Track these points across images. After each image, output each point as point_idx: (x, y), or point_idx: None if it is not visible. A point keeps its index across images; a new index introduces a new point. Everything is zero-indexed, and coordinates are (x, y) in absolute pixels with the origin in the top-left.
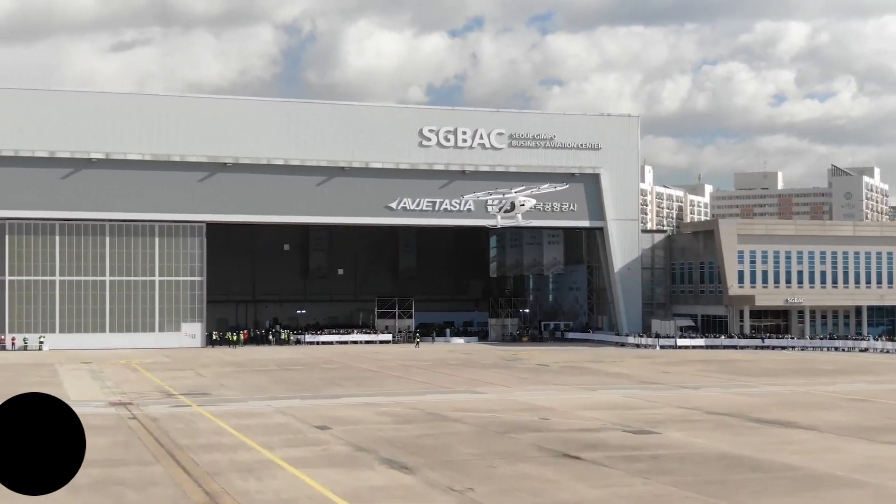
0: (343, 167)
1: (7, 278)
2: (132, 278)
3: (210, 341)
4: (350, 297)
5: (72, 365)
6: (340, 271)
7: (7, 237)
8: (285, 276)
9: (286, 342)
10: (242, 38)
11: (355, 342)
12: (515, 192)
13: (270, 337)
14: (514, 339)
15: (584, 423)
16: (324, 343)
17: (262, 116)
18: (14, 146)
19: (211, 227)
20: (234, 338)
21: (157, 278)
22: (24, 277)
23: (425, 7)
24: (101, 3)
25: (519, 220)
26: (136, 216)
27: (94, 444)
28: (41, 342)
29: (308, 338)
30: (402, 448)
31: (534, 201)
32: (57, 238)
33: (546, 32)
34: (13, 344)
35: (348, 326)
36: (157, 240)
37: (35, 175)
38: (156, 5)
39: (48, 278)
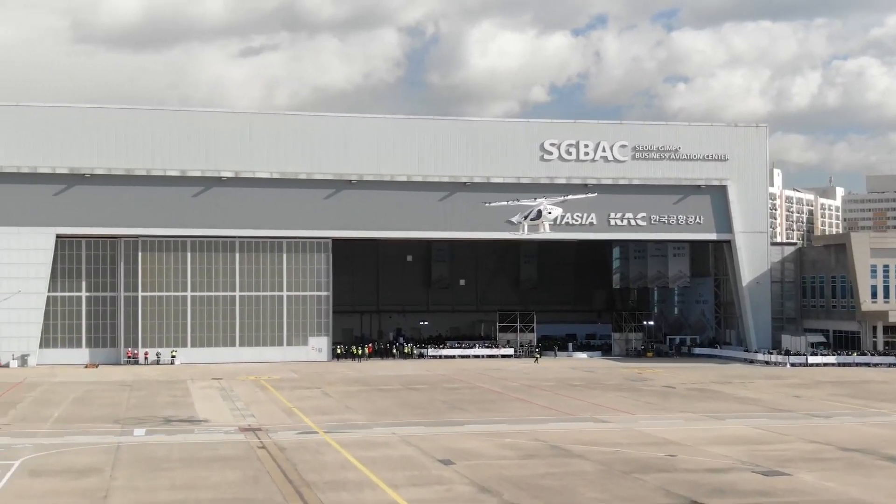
0: (465, 182)
1: (141, 294)
2: (261, 293)
3: (336, 355)
4: (472, 308)
5: (203, 382)
6: (462, 282)
7: (140, 254)
8: (408, 287)
9: (409, 356)
10: (367, 42)
11: (477, 356)
12: (541, 200)
13: (394, 350)
14: (639, 355)
15: (712, 462)
16: (446, 357)
17: (385, 133)
18: (147, 165)
19: (336, 241)
20: (359, 351)
21: (284, 293)
22: (158, 293)
23: (548, 7)
24: (231, 9)
25: (546, 230)
26: (265, 233)
27: (226, 480)
28: (173, 356)
29: (431, 351)
30: (525, 490)
31: (560, 210)
32: (189, 255)
33: (671, 29)
34: (146, 358)
35: (470, 338)
36: (284, 256)
37: (167, 194)
38: (284, 11)
39: (180, 294)
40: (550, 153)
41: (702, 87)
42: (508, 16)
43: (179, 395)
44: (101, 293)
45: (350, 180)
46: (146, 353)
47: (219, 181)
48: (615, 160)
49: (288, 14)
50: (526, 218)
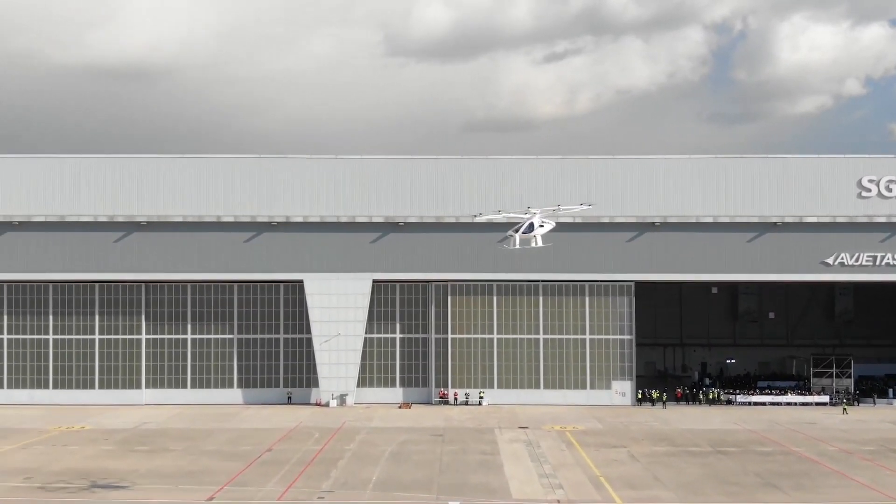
0: (775, 222)
1: (450, 336)
2: (564, 336)
3: (639, 399)
4: (782, 342)
5: (510, 433)
6: (771, 315)
7: (450, 298)
8: (713, 319)
9: (716, 401)
10: (671, 41)
11: (789, 404)
12: (533, 212)
13: (700, 395)
14: None
15: None
16: (756, 404)
17: (689, 174)
18: (456, 213)
19: (639, 284)
20: (663, 397)
21: (587, 336)
22: (466, 335)
23: None
24: (537, 16)
25: (538, 242)
26: (567, 276)
27: None
28: (481, 397)
29: (740, 398)
30: None
31: (553, 224)
32: (494, 298)
33: None
34: (455, 399)
35: (780, 378)
36: (587, 299)
37: (475, 240)
38: (588, 15)
39: (487, 336)
40: (869, 190)
41: None
42: (821, 8)
43: (489, 453)
44: (414, 335)
45: (654, 223)
46: (455, 394)
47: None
48: None
49: (592, 17)
50: (517, 231)
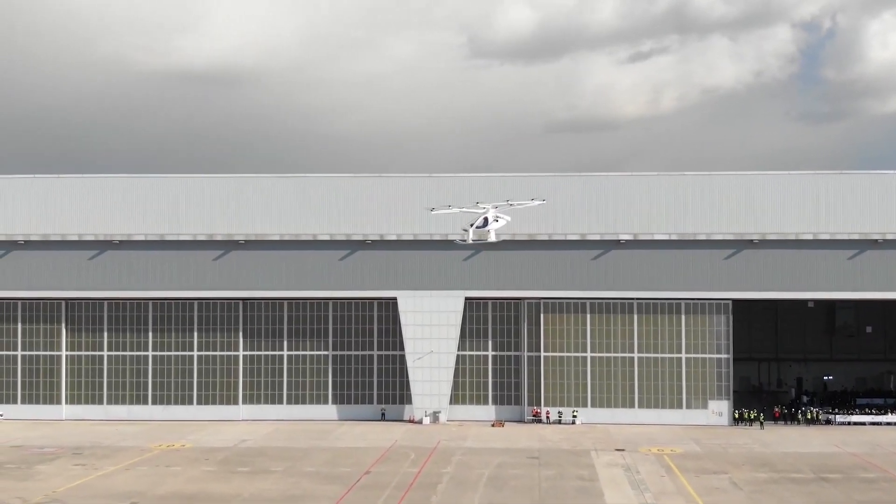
0: (876, 239)
1: (543, 354)
2: (659, 355)
3: (736, 420)
4: (879, 357)
5: (607, 456)
6: (869, 328)
7: (542, 315)
8: (809, 333)
9: (815, 421)
10: (758, 40)
11: (889, 424)
12: (490, 207)
13: (799, 414)
14: None
15: None
16: (855, 424)
17: (787, 189)
18: (548, 230)
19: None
20: (761, 417)
21: (683, 355)
22: (559, 354)
23: None
24: (622, 16)
25: (491, 237)
26: (662, 294)
27: None
28: (574, 416)
29: (839, 418)
30: None
31: (508, 218)
32: (588, 316)
33: None
34: (548, 417)
35: (879, 395)
36: (682, 317)
37: (567, 257)
38: (674, 14)
39: (580, 354)
40: None
41: None
42: None
43: (587, 478)
44: (506, 352)
45: (752, 240)
46: (548, 412)
47: (617, 244)
48: None
49: (678, 16)
50: (472, 226)
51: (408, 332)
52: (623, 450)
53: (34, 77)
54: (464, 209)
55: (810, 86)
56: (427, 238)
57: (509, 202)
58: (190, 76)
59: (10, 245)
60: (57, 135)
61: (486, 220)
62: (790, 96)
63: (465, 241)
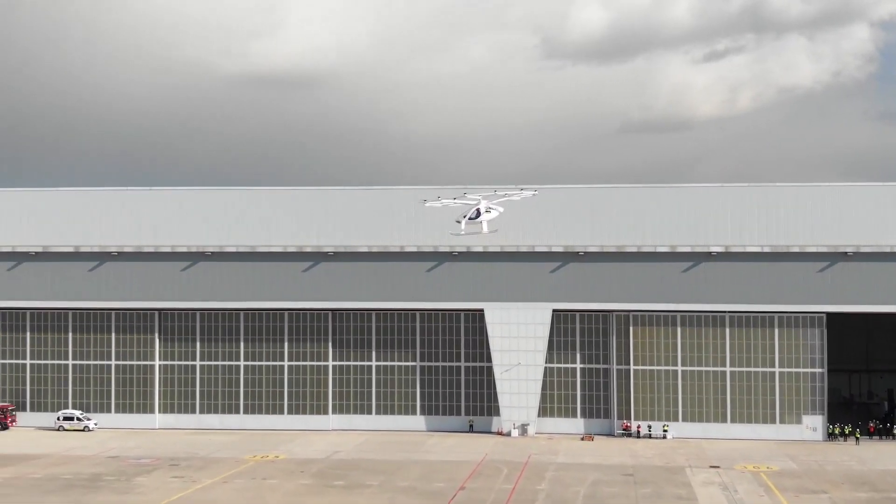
0: None
1: (633, 367)
2: (752, 369)
3: (830, 435)
4: None
5: (703, 474)
6: None
7: (632, 328)
8: None
9: None
10: (837, 39)
11: None
12: (476, 198)
13: (894, 430)
14: None
15: None
16: None
17: (882, 200)
18: (637, 242)
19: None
20: (857, 433)
21: (776, 369)
22: (649, 367)
23: None
24: (697, 15)
25: (484, 228)
26: (755, 308)
27: None
28: (665, 430)
29: None
30: None
31: (501, 209)
32: (679, 329)
33: None
34: (638, 431)
35: None
36: (776, 331)
37: (657, 269)
38: (750, 13)
39: (671, 368)
40: None
41: None
42: None
43: (685, 497)
44: (595, 365)
45: (846, 252)
46: (638, 427)
47: (708, 256)
48: None
49: (754, 15)
50: (465, 217)
51: (495, 343)
52: (718, 467)
53: (117, 83)
54: (455, 200)
55: (889, 85)
56: (514, 250)
57: (505, 195)
58: (267, 80)
59: (105, 256)
60: (137, 139)
61: (478, 211)
62: (869, 96)
63: (459, 233)
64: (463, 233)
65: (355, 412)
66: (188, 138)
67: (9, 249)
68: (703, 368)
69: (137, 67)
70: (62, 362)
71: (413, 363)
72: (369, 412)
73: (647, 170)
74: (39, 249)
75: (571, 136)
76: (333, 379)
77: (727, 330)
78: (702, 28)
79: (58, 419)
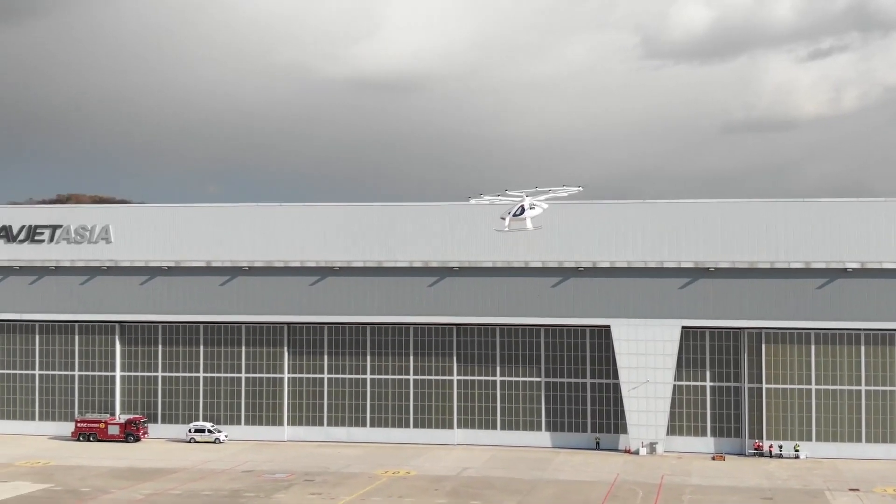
0: None
1: (765, 386)
2: (888, 388)
3: None
4: None
5: (843, 497)
6: None
7: (764, 346)
8: None
9: None
10: None
11: None
12: (521, 195)
13: None
14: None
15: None
16: None
17: None
18: (770, 258)
19: None
20: None
21: None
22: (781, 385)
23: None
24: (801, 13)
25: (528, 225)
26: (893, 325)
27: None
28: (797, 450)
29: None
30: None
31: (546, 206)
32: (812, 347)
33: None
34: (770, 451)
35: None
36: None
37: (791, 286)
38: (855, 11)
39: (804, 387)
40: None
41: None
42: None
43: None
44: (725, 383)
45: None
46: (771, 447)
47: (843, 273)
48: None
49: (859, 14)
50: (509, 214)
51: (622, 360)
52: (858, 490)
53: (221, 85)
54: (499, 197)
55: None
56: (642, 265)
57: (550, 191)
58: (367, 83)
59: (235, 271)
60: (237, 141)
61: (522, 208)
62: None
63: (504, 230)
64: (507, 229)
65: (480, 427)
66: (290, 140)
67: (142, 264)
68: (838, 387)
69: (239, 70)
70: (193, 375)
71: (538, 379)
72: (494, 427)
73: (750, 170)
74: (172, 264)
75: (673, 136)
76: (458, 393)
77: (862, 348)
78: (806, 26)
79: (189, 431)
